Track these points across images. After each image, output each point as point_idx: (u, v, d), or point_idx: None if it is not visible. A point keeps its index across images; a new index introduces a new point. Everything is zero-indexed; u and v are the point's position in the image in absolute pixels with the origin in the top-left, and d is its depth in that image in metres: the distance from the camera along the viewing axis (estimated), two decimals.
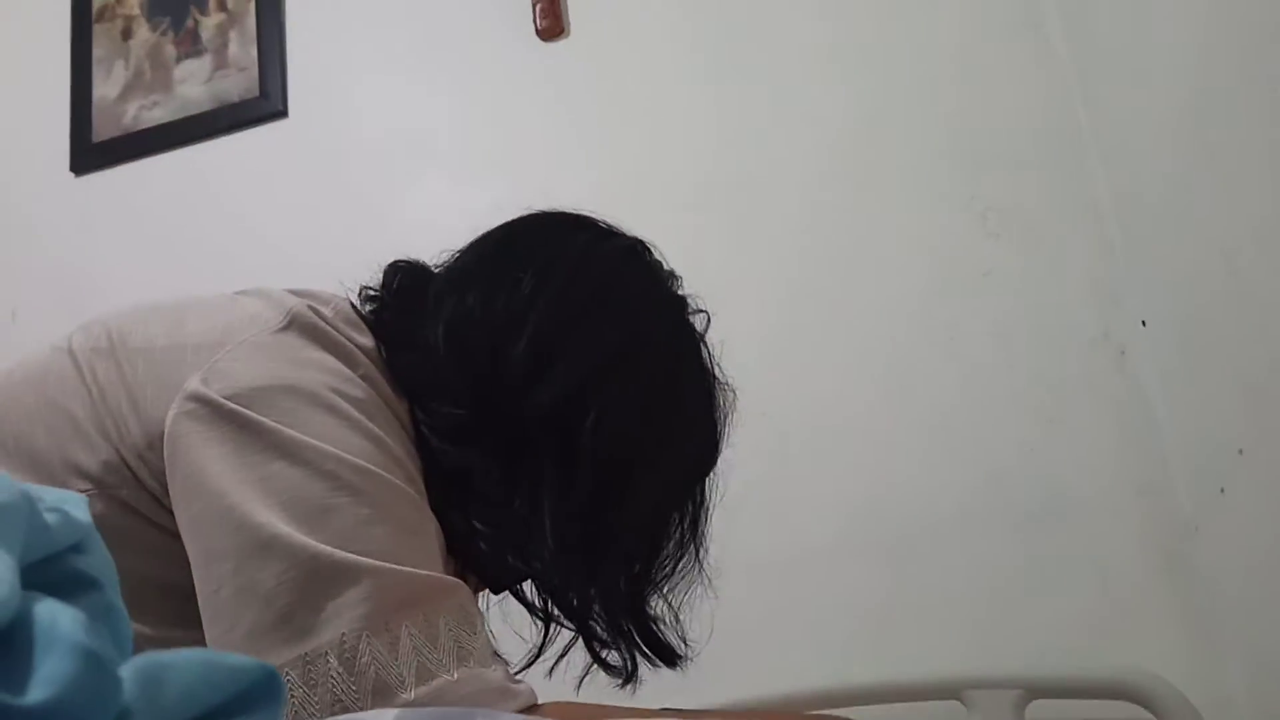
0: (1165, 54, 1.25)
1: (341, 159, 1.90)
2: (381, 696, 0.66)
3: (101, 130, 2.08)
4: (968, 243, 1.56)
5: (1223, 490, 1.26)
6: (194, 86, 2.05)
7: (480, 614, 0.76)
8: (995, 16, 1.63)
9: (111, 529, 0.68)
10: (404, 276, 0.90)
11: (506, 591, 0.91)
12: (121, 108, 2.08)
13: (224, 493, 0.70)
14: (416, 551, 0.73)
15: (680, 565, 0.91)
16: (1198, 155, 1.19)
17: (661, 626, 0.89)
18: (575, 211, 0.93)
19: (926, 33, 1.66)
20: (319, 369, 0.77)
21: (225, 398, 0.73)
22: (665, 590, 0.90)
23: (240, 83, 2.02)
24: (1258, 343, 1.10)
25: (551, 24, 1.85)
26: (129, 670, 0.33)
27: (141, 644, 0.69)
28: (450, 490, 0.81)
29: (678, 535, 0.90)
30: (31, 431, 0.78)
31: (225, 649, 0.67)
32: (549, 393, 0.81)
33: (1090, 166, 1.54)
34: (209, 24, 2.08)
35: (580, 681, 0.89)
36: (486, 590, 0.93)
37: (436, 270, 0.91)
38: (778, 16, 1.73)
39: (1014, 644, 1.36)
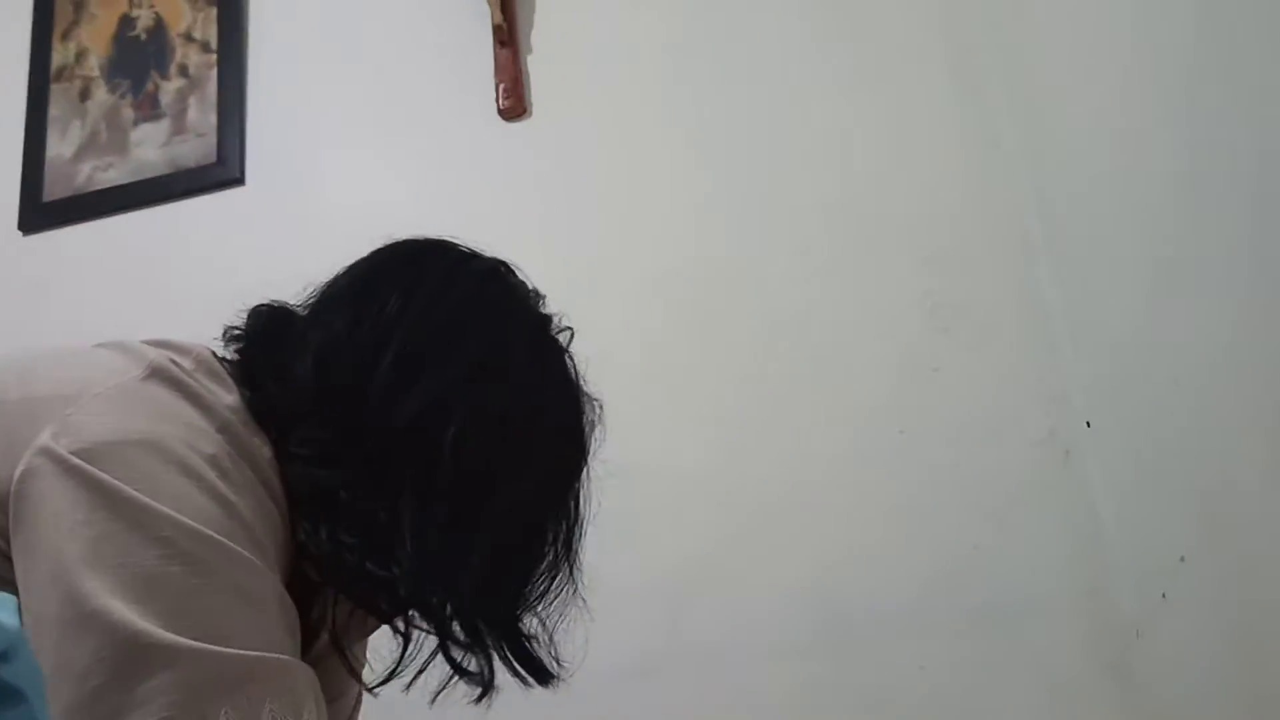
0: (1117, 160, 1.28)
1: (298, 230, 1.89)
2: None
3: (53, 190, 2.06)
4: (919, 337, 1.58)
5: (1165, 596, 1.27)
6: (150, 150, 2.04)
7: (313, 695, 0.74)
8: (951, 118, 1.67)
9: None
10: (267, 317, 0.91)
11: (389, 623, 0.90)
12: (75, 168, 2.06)
13: (56, 555, 0.68)
14: (251, 625, 0.72)
15: (555, 584, 0.91)
16: (1149, 269, 1.22)
17: (535, 644, 0.89)
18: (437, 238, 0.95)
19: (884, 131, 1.69)
20: (174, 422, 0.76)
21: (73, 453, 0.71)
22: (540, 609, 0.91)
23: (198, 148, 2.01)
24: (1205, 454, 1.12)
25: (514, 104, 1.87)
26: None
27: None
28: (318, 512, 0.81)
29: (551, 554, 0.90)
30: None
31: None
32: (411, 405, 0.83)
33: (1039, 267, 1.56)
34: (169, 88, 2.08)
35: (435, 696, 0.88)
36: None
37: (300, 309, 0.92)
38: (740, 107, 1.76)
39: None
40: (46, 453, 0.72)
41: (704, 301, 1.67)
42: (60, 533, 0.69)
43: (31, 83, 2.15)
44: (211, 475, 0.74)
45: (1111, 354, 1.38)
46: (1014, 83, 1.62)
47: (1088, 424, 1.46)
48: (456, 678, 0.87)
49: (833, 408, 1.57)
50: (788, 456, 1.56)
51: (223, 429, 0.78)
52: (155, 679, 0.66)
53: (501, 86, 1.88)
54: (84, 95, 2.12)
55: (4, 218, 2.04)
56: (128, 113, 2.08)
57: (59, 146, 2.09)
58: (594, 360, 0.93)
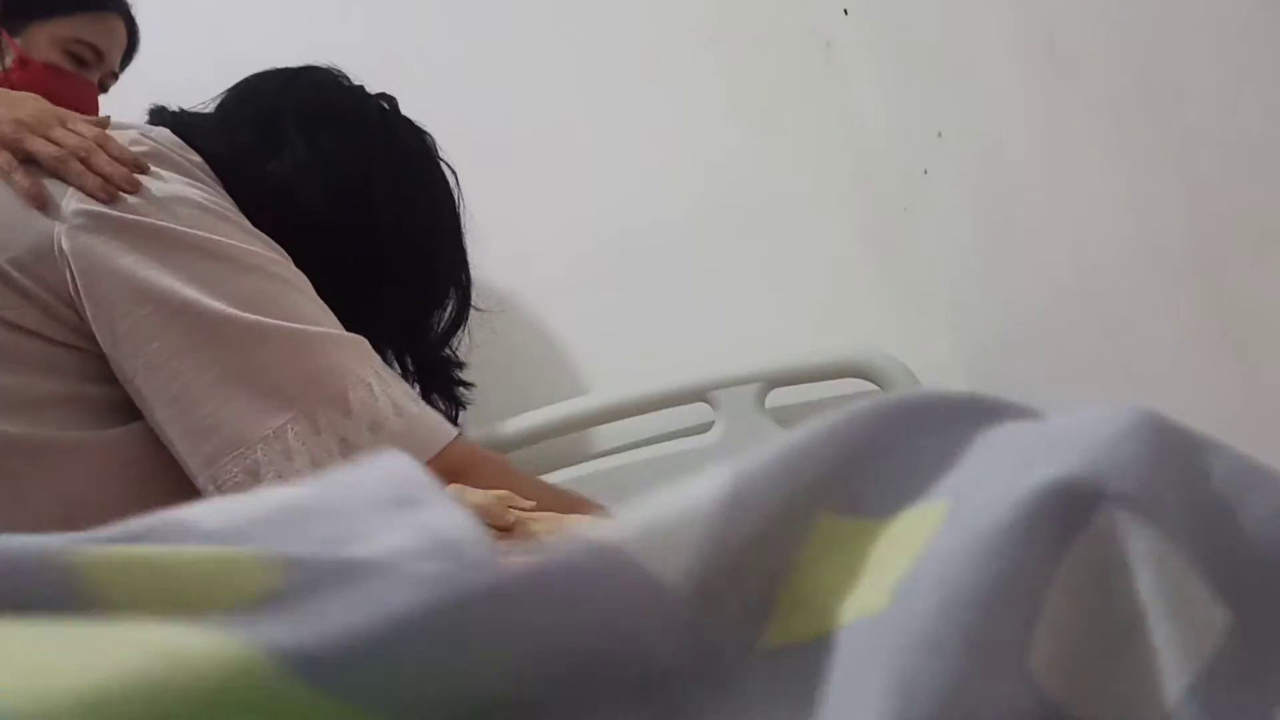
0: None
1: None
2: (374, 431, 0.80)
3: None
4: None
5: (926, 172, 1.33)
6: None
7: None
8: None
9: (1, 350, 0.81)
10: (191, 121, 0.99)
11: None
12: None
13: (172, 293, 0.79)
14: (332, 320, 0.87)
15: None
16: None
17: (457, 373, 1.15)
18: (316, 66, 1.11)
19: None
20: (182, 184, 0.86)
21: (118, 212, 0.81)
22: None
23: None
24: (955, 27, 1.13)
25: None
26: None
27: (52, 451, 0.80)
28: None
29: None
30: None
31: (220, 423, 0.79)
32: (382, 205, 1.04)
33: None
34: None
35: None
36: None
37: (202, 116, 1.02)
38: None
39: (750, 342, 1.42)
40: (88, 214, 0.81)
41: None
42: (164, 276, 0.79)
43: None
44: (238, 220, 0.87)
45: None
46: None
47: (845, 11, 1.46)
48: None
49: (588, 28, 1.52)
50: (550, 85, 1.52)
51: (220, 194, 0.89)
52: (320, 361, 0.82)
53: None
54: None
55: None
56: None
57: None
58: None
